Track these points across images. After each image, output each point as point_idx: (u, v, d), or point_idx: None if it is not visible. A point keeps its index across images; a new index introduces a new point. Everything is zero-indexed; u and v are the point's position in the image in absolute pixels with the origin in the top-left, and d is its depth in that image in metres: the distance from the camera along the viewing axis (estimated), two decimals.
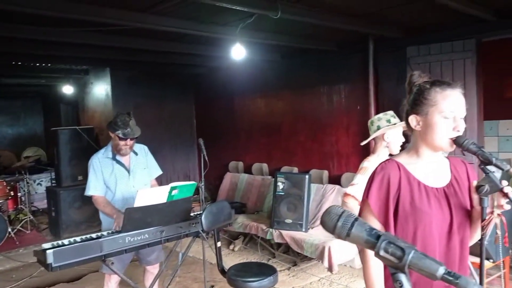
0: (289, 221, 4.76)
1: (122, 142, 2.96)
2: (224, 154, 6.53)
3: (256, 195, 5.89)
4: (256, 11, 3.03)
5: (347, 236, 0.72)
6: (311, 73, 5.34)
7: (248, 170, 6.19)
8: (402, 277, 0.67)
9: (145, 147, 3.26)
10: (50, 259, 2.31)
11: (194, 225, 2.98)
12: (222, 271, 2.91)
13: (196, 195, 3.92)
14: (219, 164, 6.52)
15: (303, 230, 4.65)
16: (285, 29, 4.00)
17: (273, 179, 4.94)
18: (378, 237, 0.69)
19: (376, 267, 1.44)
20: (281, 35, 4.19)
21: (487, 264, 3.28)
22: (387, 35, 4.19)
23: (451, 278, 0.63)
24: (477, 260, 3.31)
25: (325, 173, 5.15)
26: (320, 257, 4.11)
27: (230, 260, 4.73)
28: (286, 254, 4.89)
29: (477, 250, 3.30)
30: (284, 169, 5.68)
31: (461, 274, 0.64)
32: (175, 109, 6.81)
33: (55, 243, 2.51)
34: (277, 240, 4.70)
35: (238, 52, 3.60)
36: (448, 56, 3.82)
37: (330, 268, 4.05)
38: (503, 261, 3.44)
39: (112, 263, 2.68)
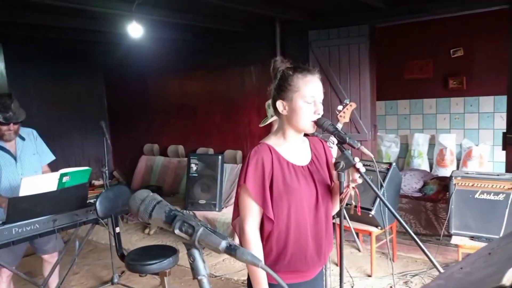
0: (202, 201, 4.82)
1: (4, 127, 2.73)
2: (138, 136, 6.34)
3: (172, 178, 5.85)
4: None
5: (149, 218, 0.76)
6: (224, 54, 5.35)
7: (164, 152, 6.10)
8: (195, 253, 0.73)
9: (34, 131, 3.03)
10: None
11: (92, 212, 2.88)
12: (122, 257, 2.87)
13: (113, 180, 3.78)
14: (133, 147, 6.32)
15: (217, 209, 4.75)
16: (188, 7, 3.93)
17: None
18: (174, 217, 0.73)
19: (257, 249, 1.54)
20: (185, 13, 4.10)
21: (377, 230, 3.65)
22: (291, 19, 4.31)
23: (231, 250, 0.70)
24: (365, 227, 3.68)
25: (239, 153, 5.26)
26: (231, 235, 4.24)
27: (144, 244, 4.67)
28: None
29: (367, 218, 3.63)
30: (200, 150, 5.69)
31: (240, 246, 0.71)
32: (83, 89, 6.38)
33: None
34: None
35: (134, 30, 3.46)
36: (345, 40, 4.05)
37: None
38: (390, 227, 3.85)
39: None
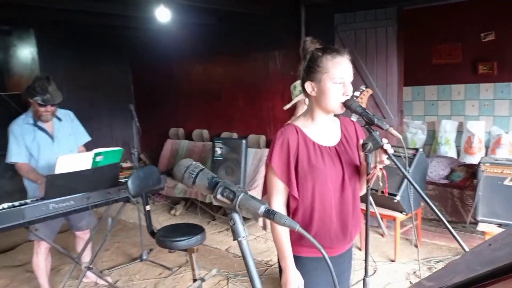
0: None
1: (42, 109, 2.87)
2: (164, 121, 6.47)
3: (197, 161, 5.95)
4: None
5: (193, 184, 0.82)
6: (248, 38, 5.34)
7: (188, 136, 6.20)
8: (236, 216, 0.78)
9: (71, 113, 3.17)
10: None
11: (123, 190, 3.00)
12: (152, 233, 2.99)
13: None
14: (160, 131, 6.46)
15: None
16: None
17: None
18: (216, 183, 0.79)
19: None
20: None
21: (401, 216, 3.64)
22: (316, 2, 4.26)
23: (269, 214, 0.75)
24: (389, 213, 3.67)
25: (262, 137, 5.30)
26: (255, 217, 4.33)
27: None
28: (226, 216, 5.07)
29: (391, 204, 3.62)
30: (224, 134, 5.77)
31: (277, 211, 0.76)
32: (110, 73, 6.51)
33: None
34: (216, 203, 4.83)
35: (162, 14, 3.51)
36: (372, 24, 3.98)
37: (264, 227, 4.27)
38: (415, 213, 3.83)
39: (36, 229, 2.67)
